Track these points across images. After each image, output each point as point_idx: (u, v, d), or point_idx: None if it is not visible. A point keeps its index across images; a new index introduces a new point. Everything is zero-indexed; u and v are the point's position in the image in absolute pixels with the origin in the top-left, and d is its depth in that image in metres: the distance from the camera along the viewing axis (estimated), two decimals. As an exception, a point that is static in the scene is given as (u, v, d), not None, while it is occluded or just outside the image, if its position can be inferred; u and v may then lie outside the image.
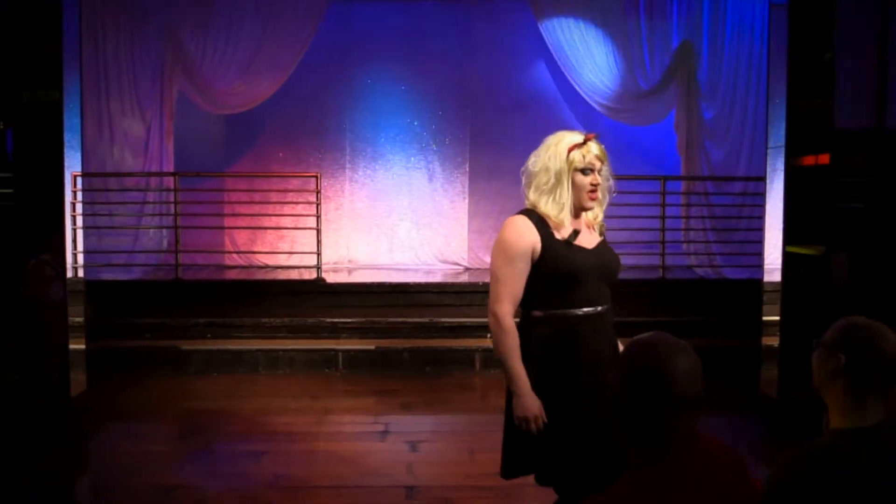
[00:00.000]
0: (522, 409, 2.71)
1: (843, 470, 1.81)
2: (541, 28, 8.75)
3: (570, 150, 2.75)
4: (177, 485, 4.42)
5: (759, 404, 5.75)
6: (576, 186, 2.76)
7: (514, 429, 2.77)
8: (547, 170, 2.76)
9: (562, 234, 2.75)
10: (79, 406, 5.66)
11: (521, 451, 2.83)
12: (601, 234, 2.89)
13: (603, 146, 2.82)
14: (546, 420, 2.71)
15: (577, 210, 2.79)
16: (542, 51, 8.90)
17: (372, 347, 6.90)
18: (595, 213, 2.86)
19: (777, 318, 5.72)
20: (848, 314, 2.00)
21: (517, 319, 2.78)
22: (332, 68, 9.36)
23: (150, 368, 6.68)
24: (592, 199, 2.77)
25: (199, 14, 8.67)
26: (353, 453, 5.01)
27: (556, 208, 2.74)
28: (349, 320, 7.21)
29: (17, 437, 4.98)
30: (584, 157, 2.75)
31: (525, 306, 2.79)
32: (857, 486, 1.80)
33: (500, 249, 2.74)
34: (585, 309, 2.75)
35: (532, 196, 2.79)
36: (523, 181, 2.84)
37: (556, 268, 2.72)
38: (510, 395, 2.78)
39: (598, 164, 2.78)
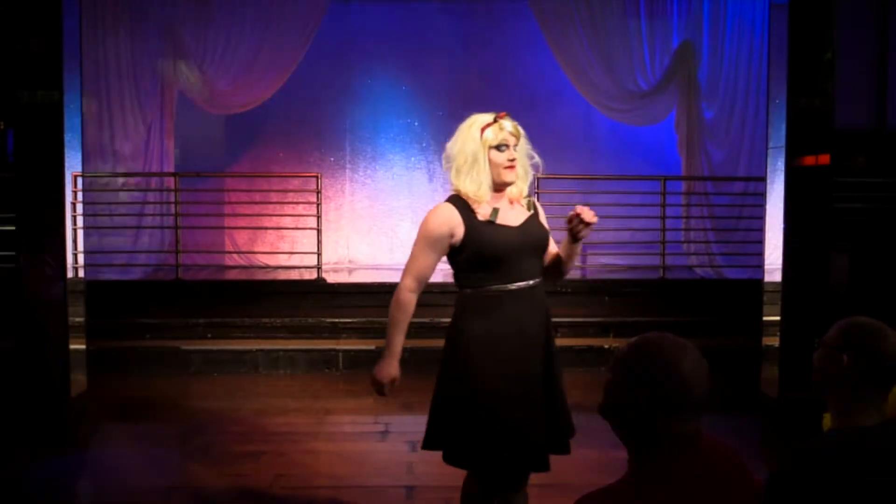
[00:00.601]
0: (380, 373, 3.03)
1: (845, 469, 1.81)
2: (541, 28, 8.75)
3: (482, 130, 2.89)
4: (177, 485, 4.43)
5: (760, 404, 5.75)
6: (492, 163, 2.87)
7: (442, 402, 3.00)
8: (463, 151, 2.88)
9: (484, 214, 2.87)
10: (79, 406, 5.65)
11: (445, 424, 2.97)
12: (530, 208, 2.99)
13: (516, 123, 2.96)
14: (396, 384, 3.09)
15: (498, 186, 2.91)
16: (543, 51, 8.90)
17: (372, 347, 6.90)
18: (519, 189, 2.96)
19: (777, 318, 5.72)
20: (848, 314, 2.00)
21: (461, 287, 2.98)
22: (332, 68, 9.36)
23: (151, 369, 6.68)
24: (510, 172, 2.88)
25: (199, 14, 8.68)
26: (353, 453, 5.01)
27: (475, 186, 2.86)
28: (349, 320, 7.21)
29: (17, 437, 4.98)
30: (496, 134, 2.88)
31: (459, 286, 2.99)
32: (858, 486, 1.79)
33: (421, 232, 2.95)
34: (517, 284, 2.87)
35: (454, 179, 2.92)
36: (444, 166, 2.98)
37: (480, 248, 2.85)
38: (443, 369, 3.03)
39: (512, 140, 2.90)
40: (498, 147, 2.88)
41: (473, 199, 2.87)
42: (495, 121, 2.92)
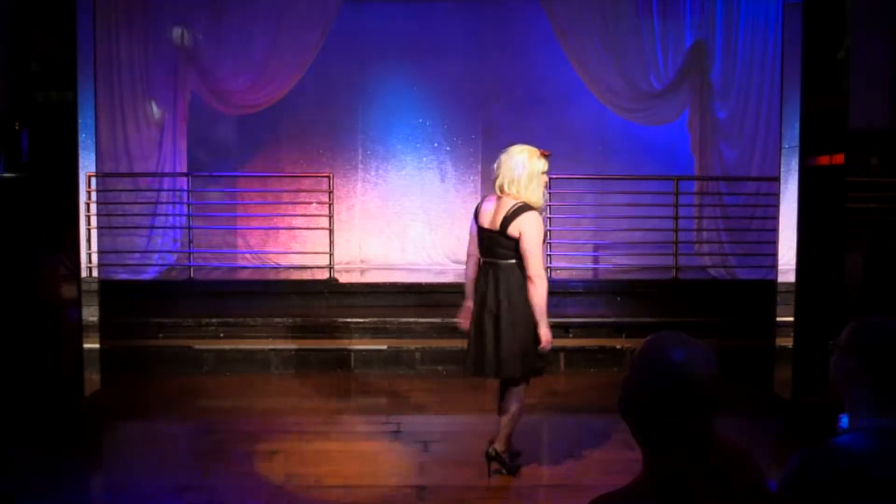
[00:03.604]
0: (548, 336, 4.31)
1: (859, 468, 1.80)
2: (553, 27, 8.72)
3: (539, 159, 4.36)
4: (189, 484, 4.44)
5: (773, 406, 5.73)
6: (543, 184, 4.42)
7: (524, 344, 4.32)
8: (531, 175, 4.32)
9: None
10: (92, 405, 5.69)
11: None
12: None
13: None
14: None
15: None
16: (555, 50, 8.88)
17: (384, 347, 6.90)
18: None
19: (791, 318, 5.69)
20: (863, 314, 1.99)
21: (515, 262, 4.30)
22: (344, 68, 9.37)
23: (163, 368, 6.70)
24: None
25: (212, 15, 8.70)
26: (365, 453, 5.02)
27: (539, 198, 4.38)
28: (361, 320, 7.21)
29: (30, 435, 5.01)
30: (545, 164, 4.39)
31: (516, 266, 4.31)
32: (873, 485, 1.78)
33: (537, 236, 4.27)
34: None
35: (521, 191, 4.30)
36: (503, 180, 4.33)
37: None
38: (523, 322, 4.30)
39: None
40: (544, 173, 4.37)
41: (537, 207, 4.32)
42: (545, 155, 4.36)
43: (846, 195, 5.40)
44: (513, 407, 4.45)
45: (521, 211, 4.26)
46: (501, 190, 4.31)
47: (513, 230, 4.26)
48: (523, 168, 4.27)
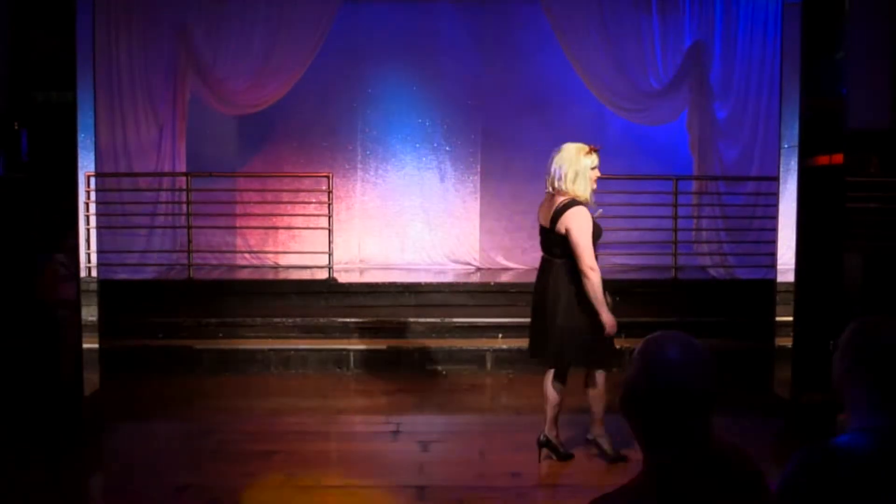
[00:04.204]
0: (613, 322, 4.49)
1: (858, 469, 1.80)
2: (552, 28, 8.72)
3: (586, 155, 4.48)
4: (189, 484, 4.44)
5: (772, 405, 5.73)
6: (590, 179, 4.48)
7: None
8: (577, 172, 4.42)
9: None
10: (92, 405, 5.69)
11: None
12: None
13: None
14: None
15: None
16: (555, 50, 8.88)
17: (384, 347, 6.91)
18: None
19: (790, 318, 5.69)
20: (862, 314, 2.00)
21: (567, 260, 4.47)
22: (343, 68, 9.37)
23: (163, 368, 6.70)
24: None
25: (211, 15, 8.70)
26: (364, 453, 5.02)
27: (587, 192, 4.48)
28: (361, 320, 7.22)
29: (30, 435, 5.01)
30: (593, 160, 4.51)
31: (565, 259, 4.47)
32: (872, 485, 1.79)
33: (584, 228, 4.38)
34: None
35: (568, 186, 4.42)
36: (555, 176, 4.46)
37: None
38: (584, 308, 4.47)
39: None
40: (593, 168, 4.48)
41: (584, 202, 4.42)
42: (594, 150, 4.51)
43: (845, 195, 5.40)
44: (596, 406, 4.71)
45: (567, 207, 4.39)
46: (552, 187, 4.47)
47: (560, 227, 4.40)
48: (569, 165, 4.39)
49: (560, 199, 4.43)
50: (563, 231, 4.41)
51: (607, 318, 4.46)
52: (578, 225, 4.36)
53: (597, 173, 4.47)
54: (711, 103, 8.86)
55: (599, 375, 4.67)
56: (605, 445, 4.70)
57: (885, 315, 1.96)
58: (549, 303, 4.53)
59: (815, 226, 5.37)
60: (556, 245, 4.49)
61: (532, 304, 4.74)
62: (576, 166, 4.39)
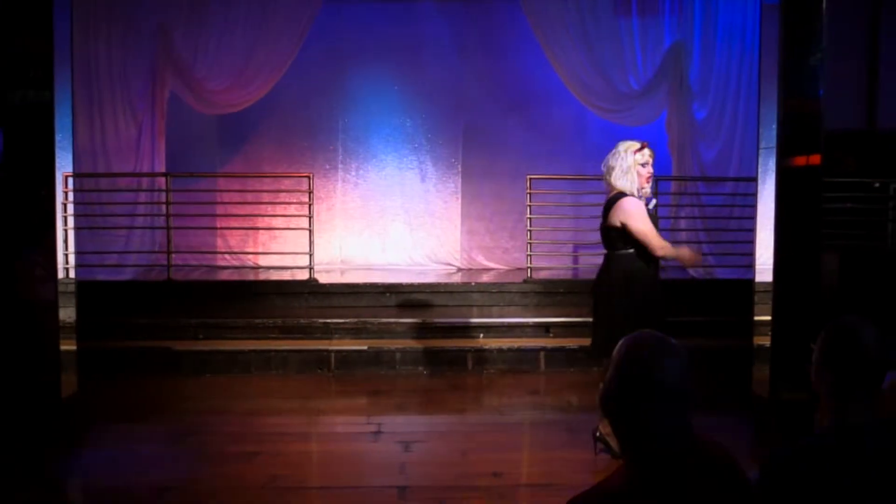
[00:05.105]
0: (690, 253, 4.93)
1: (828, 466, 1.83)
2: (533, 29, 8.75)
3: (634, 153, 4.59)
4: (169, 486, 4.42)
5: (751, 404, 5.77)
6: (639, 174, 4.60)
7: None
8: (624, 168, 4.55)
9: None
10: (70, 407, 5.63)
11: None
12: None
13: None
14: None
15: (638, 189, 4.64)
16: (535, 51, 8.91)
17: (364, 348, 6.90)
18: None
19: (768, 317, 5.73)
20: (839, 313, 2.03)
21: (617, 253, 4.60)
22: (324, 68, 9.35)
23: (143, 369, 6.66)
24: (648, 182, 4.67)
25: (191, 14, 8.66)
26: (345, 454, 5.01)
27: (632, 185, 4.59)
28: (342, 320, 7.21)
29: (7, 438, 4.96)
30: (642, 155, 4.61)
31: (623, 248, 4.58)
32: (842, 482, 1.81)
33: (636, 214, 4.50)
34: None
35: (615, 181, 4.57)
36: (613, 177, 4.60)
37: None
38: (634, 309, 4.54)
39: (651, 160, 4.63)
40: (644, 165, 4.59)
41: (630, 193, 4.53)
42: (643, 146, 4.60)
43: (823, 195, 5.45)
44: None
45: (615, 200, 4.56)
46: (605, 184, 4.67)
47: (613, 220, 4.56)
48: (616, 162, 4.57)
49: (611, 196, 4.62)
50: (617, 224, 4.55)
51: (684, 251, 4.85)
52: (631, 213, 4.50)
53: (649, 169, 4.60)
54: (690, 104, 8.92)
55: None
56: (614, 444, 4.71)
57: (858, 317, 2.00)
58: (604, 296, 4.69)
59: (792, 226, 5.40)
60: (610, 238, 4.63)
61: (593, 303, 4.85)
62: (623, 163, 4.55)
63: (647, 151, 4.60)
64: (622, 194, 4.56)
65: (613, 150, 4.63)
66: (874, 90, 8.39)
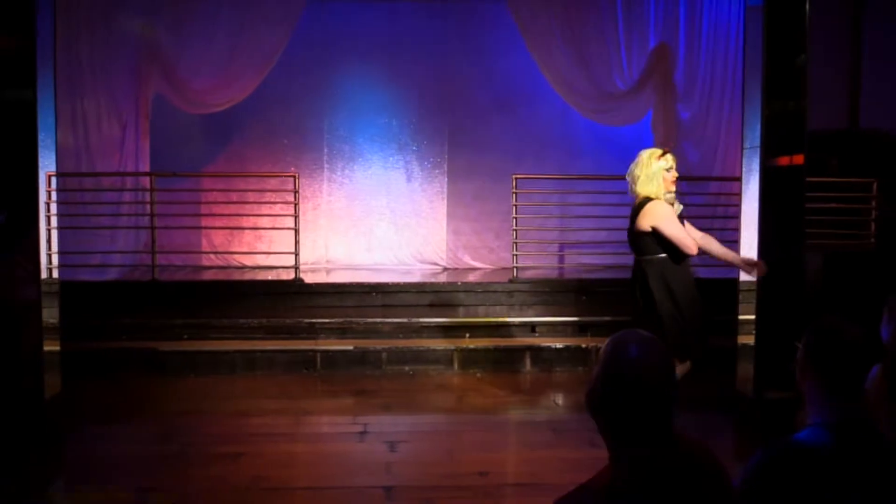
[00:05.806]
0: (756, 264, 5.01)
1: (816, 464, 1.84)
2: (519, 29, 8.76)
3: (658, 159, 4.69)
4: (153, 487, 4.39)
5: (735, 402, 5.80)
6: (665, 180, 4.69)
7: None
8: (648, 175, 4.67)
9: None
10: (53, 408, 5.60)
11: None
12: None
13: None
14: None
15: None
16: (521, 51, 8.92)
17: (350, 348, 6.89)
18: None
19: (752, 317, 5.77)
20: (822, 312, 2.04)
21: (650, 257, 4.71)
22: (309, 68, 9.34)
23: (127, 370, 6.62)
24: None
25: (175, 14, 8.62)
26: (331, 454, 5.00)
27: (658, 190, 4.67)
28: (327, 320, 7.19)
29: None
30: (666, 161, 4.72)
31: (656, 252, 4.68)
32: (829, 479, 1.82)
33: (665, 218, 4.61)
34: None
35: (645, 191, 4.66)
36: (637, 184, 4.72)
37: None
38: (669, 309, 4.71)
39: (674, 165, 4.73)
40: (668, 170, 4.69)
41: (656, 198, 4.62)
42: (665, 153, 4.72)
43: (806, 195, 5.49)
44: None
45: (641, 206, 4.65)
46: (632, 192, 4.75)
47: (642, 225, 4.65)
48: (641, 170, 4.69)
49: (637, 202, 4.71)
50: (646, 228, 4.64)
51: (741, 258, 5.06)
52: (661, 216, 4.59)
53: (673, 174, 4.70)
54: (676, 104, 8.96)
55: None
56: None
57: (841, 315, 2.01)
58: (640, 300, 4.79)
59: (777, 225, 5.44)
60: (638, 244, 4.73)
61: (633, 308, 4.91)
62: (647, 170, 4.66)
63: (669, 157, 4.70)
64: (648, 199, 4.64)
65: (636, 160, 4.73)
66: (857, 91, 8.46)
